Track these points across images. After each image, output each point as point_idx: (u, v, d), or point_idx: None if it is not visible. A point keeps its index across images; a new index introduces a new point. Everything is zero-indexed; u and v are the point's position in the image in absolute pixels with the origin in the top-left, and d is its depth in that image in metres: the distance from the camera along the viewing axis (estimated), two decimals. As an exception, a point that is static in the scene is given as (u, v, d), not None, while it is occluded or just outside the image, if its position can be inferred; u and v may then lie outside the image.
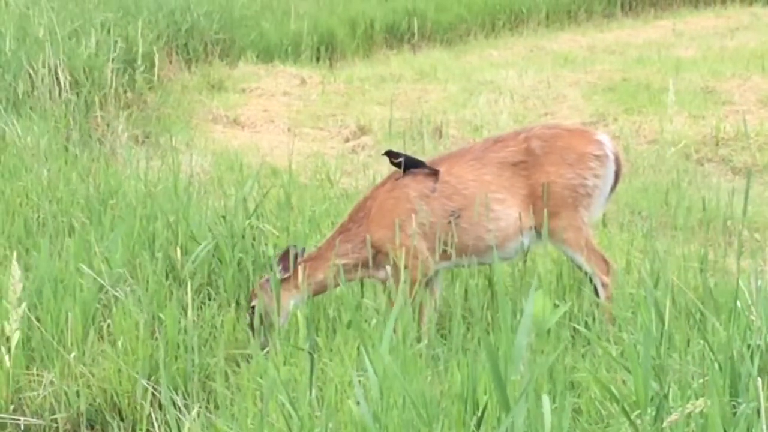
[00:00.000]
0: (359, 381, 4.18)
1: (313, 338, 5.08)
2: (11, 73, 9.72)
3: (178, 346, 5.47)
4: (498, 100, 11.23)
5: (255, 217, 6.53)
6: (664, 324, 4.26)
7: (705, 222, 6.90)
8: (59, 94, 9.65)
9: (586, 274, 5.60)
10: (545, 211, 5.44)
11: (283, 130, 10.76)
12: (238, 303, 5.94)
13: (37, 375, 5.42)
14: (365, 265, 5.58)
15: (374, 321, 5.26)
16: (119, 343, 5.49)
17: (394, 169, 5.77)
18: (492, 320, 5.35)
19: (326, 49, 14.30)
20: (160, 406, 5.06)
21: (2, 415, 5.27)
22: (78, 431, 5.30)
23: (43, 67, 9.68)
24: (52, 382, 5.37)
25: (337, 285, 5.55)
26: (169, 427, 4.44)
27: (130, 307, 5.69)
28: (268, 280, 5.54)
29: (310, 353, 4.47)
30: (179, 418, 4.57)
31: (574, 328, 5.08)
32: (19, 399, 5.36)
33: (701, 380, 4.02)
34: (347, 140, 10.42)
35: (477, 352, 4.47)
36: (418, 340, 5.15)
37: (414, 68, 13.07)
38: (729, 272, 5.78)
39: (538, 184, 5.56)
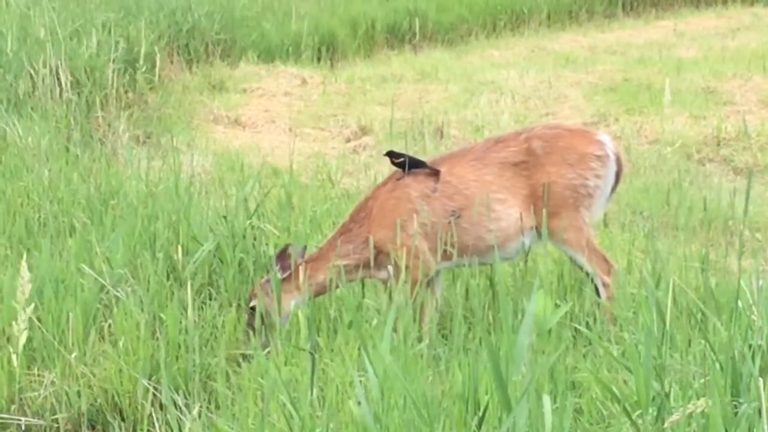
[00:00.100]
0: (360, 381, 4.18)
1: (314, 338, 5.07)
2: (12, 73, 9.72)
3: (179, 346, 5.47)
4: (499, 100, 11.23)
5: (256, 217, 6.53)
6: (665, 324, 4.25)
7: (706, 222, 6.90)
8: (60, 95, 9.65)
9: (587, 274, 5.60)
10: (546, 211, 5.44)
11: (284, 130, 10.76)
12: (239, 303, 5.94)
13: (38, 375, 5.43)
14: (366, 265, 5.58)
15: (375, 321, 5.26)
16: (120, 343, 5.49)
17: (395, 169, 5.77)
18: (493, 320, 5.35)
19: (327, 50, 14.29)
20: (161, 407, 5.06)
21: (3, 415, 5.27)
22: (79, 431, 5.30)
23: (44, 67, 9.68)
24: (53, 382, 5.38)
25: (337, 286, 5.55)
26: (170, 427, 4.44)
27: (131, 307, 5.70)
28: (268, 281, 5.54)
29: (311, 353, 4.47)
30: (180, 418, 4.57)
31: (576, 328, 5.08)
32: (20, 399, 5.36)
33: (702, 380, 4.02)
34: (348, 140, 10.42)
35: (478, 352, 4.47)
36: (419, 340, 5.15)
37: (415, 68, 13.07)
38: (730, 272, 5.77)
39: (539, 184, 5.55)
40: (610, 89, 11.49)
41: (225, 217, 6.49)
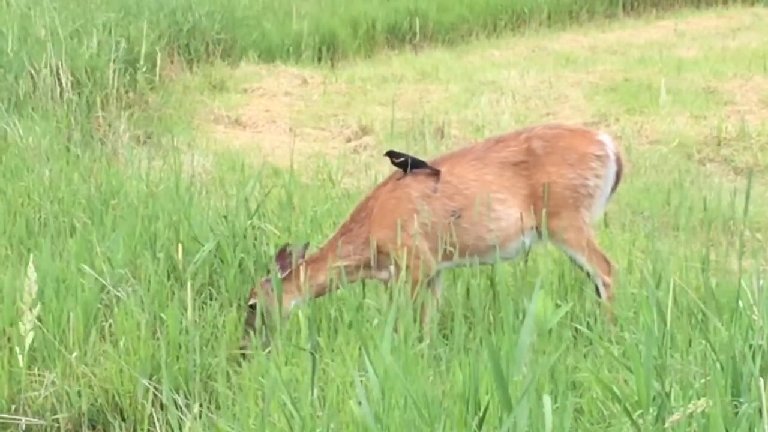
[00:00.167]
0: (361, 381, 4.18)
1: (315, 338, 5.06)
2: (13, 73, 9.72)
3: (180, 346, 5.47)
4: (500, 100, 11.23)
5: (257, 217, 6.53)
6: (665, 324, 4.25)
7: (707, 222, 6.90)
8: (61, 95, 9.66)
9: (587, 274, 5.60)
10: (546, 211, 5.44)
11: (285, 130, 10.76)
12: (239, 303, 5.94)
13: (39, 375, 5.43)
14: (367, 265, 5.58)
15: (376, 321, 5.26)
16: (121, 343, 5.50)
17: (395, 169, 5.77)
18: (494, 320, 5.35)
19: (328, 50, 14.29)
20: (162, 407, 5.06)
21: (4, 415, 5.27)
22: (79, 431, 5.30)
23: (45, 67, 9.68)
24: (53, 382, 5.37)
25: (337, 287, 5.55)
26: (170, 427, 4.44)
27: (131, 307, 5.70)
28: (268, 280, 5.54)
29: (311, 353, 4.47)
30: (181, 418, 4.57)
31: (576, 328, 5.08)
32: (21, 399, 5.36)
33: (703, 380, 4.02)
34: (349, 140, 10.42)
35: (479, 352, 4.47)
36: (420, 340, 5.15)
37: (416, 68, 13.07)
38: (731, 272, 5.77)
39: (539, 184, 5.55)
40: (610, 89, 11.49)
41: (226, 217, 6.49)
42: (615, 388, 4.01)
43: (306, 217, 6.80)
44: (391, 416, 3.95)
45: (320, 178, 8.40)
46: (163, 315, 5.66)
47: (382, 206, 5.63)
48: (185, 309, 5.46)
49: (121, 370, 5.34)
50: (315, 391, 4.38)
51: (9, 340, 5.59)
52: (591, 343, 4.92)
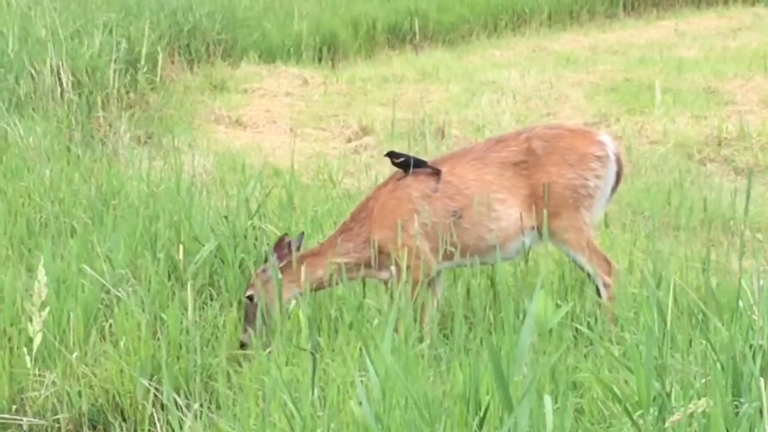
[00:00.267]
0: (361, 381, 4.18)
1: (315, 338, 5.07)
2: (13, 73, 9.73)
3: (180, 347, 5.47)
4: (500, 100, 11.24)
5: (257, 217, 6.53)
6: (666, 324, 4.25)
7: (707, 222, 6.90)
8: (61, 95, 9.66)
9: (588, 274, 5.60)
10: (546, 211, 5.44)
11: (285, 130, 10.77)
12: (240, 303, 5.94)
13: (40, 375, 5.42)
14: (367, 264, 5.59)
15: (376, 321, 5.26)
16: (121, 344, 5.50)
17: (396, 169, 5.77)
18: (494, 320, 5.35)
19: (328, 50, 14.30)
20: (162, 407, 5.06)
21: (4, 416, 5.27)
22: (80, 431, 5.31)
23: (46, 67, 9.68)
24: (54, 383, 5.37)
25: (336, 283, 5.56)
26: (171, 427, 4.44)
27: (132, 308, 5.70)
28: (265, 270, 5.56)
29: (312, 353, 4.47)
30: (181, 418, 4.57)
31: (577, 329, 5.08)
32: (21, 399, 5.37)
33: (703, 380, 4.02)
34: (349, 140, 10.42)
35: (479, 352, 4.47)
36: (421, 340, 5.15)
37: (416, 68, 13.07)
38: (731, 272, 5.77)
39: (539, 184, 5.56)
40: (611, 89, 11.49)
41: (226, 218, 6.49)
42: (615, 388, 4.01)
43: (306, 217, 6.80)
44: (391, 416, 3.95)
45: (321, 179, 8.40)
46: (163, 315, 5.66)
47: (383, 206, 5.63)
48: (186, 309, 5.46)
49: (121, 371, 5.34)
50: (315, 391, 4.38)
51: (10, 340, 5.59)
52: (591, 344, 4.92)
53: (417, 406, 3.91)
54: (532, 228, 5.59)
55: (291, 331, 5.38)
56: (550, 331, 4.91)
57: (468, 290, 5.71)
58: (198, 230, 6.48)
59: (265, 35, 13.82)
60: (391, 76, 12.74)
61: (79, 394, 5.33)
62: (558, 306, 5.14)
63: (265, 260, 5.64)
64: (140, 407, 5.23)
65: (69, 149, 8.57)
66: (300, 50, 13.79)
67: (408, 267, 5.35)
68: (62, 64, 9.76)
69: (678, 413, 3.58)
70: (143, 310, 5.71)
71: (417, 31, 14.97)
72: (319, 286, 5.61)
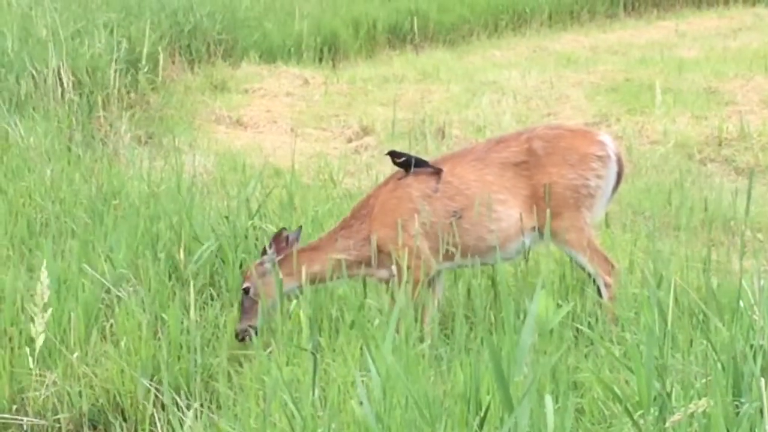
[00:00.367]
0: (362, 381, 4.18)
1: (316, 338, 5.08)
2: (14, 73, 9.73)
3: (181, 347, 5.47)
4: (501, 100, 11.23)
5: (258, 217, 6.54)
6: (666, 324, 4.25)
7: (708, 222, 6.90)
8: (62, 95, 9.66)
9: (589, 274, 5.60)
10: (548, 211, 5.44)
11: (286, 130, 10.77)
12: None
13: (40, 375, 5.43)
14: (367, 263, 5.59)
15: (377, 321, 5.26)
16: (122, 344, 5.50)
17: (396, 169, 5.77)
18: (495, 320, 5.35)
19: (329, 50, 14.29)
20: (163, 407, 5.06)
21: (5, 415, 5.27)
22: (80, 431, 5.31)
23: (47, 67, 9.68)
24: (54, 383, 5.38)
25: (334, 279, 5.57)
26: (171, 427, 4.45)
27: (132, 308, 5.70)
28: (262, 263, 5.56)
29: (313, 353, 4.47)
30: (182, 418, 4.57)
31: (577, 329, 5.08)
32: (22, 399, 5.37)
33: (704, 380, 4.02)
34: (350, 141, 10.42)
35: (480, 352, 4.47)
36: (421, 340, 5.15)
37: (417, 69, 13.07)
38: (732, 272, 5.78)
39: (540, 184, 5.56)
40: (611, 89, 11.49)
41: (227, 218, 6.50)
42: (616, 388, 4.01)
43: (307, 217, 6.80)
44: (392, 416, 3.95)
45: (321, 179, 8.40)
46: (164, 315, 5.66)
47: (383, 205, 5.63)
48: (186, 309, 5.47)
49: (122, 371, 5.34)
50: (316, 391, 4.38)
51: (11, 340, 5.59)
52: (592, 343, 4.93)
53: (418, 405, 3.91)
54: (533, 228, 5.59)
55: (292, 331, 5.38)
56: (551, 331, 4.91)
57: (469, 290, 5.71)
58: (199, 230, 6.49)
59: (265, 35, 13.81)
60: (392, 76, 12.74)
61: (80, 394, 5.33)
62: (559, 306, 5.14)
63: (263, 253, 5.64)
64: (141, 407, 5.23)
65: (70, 149, 8.58)
66: (301, 50, 13.79)
67: (408, 267, 5.35)
68: (63, 64, 9.76)
69: (678, 413, 3.58)
70: (144, 310, 5.71)
71: (417, 31, 14.96)
72: (316, 281, 5.61)
